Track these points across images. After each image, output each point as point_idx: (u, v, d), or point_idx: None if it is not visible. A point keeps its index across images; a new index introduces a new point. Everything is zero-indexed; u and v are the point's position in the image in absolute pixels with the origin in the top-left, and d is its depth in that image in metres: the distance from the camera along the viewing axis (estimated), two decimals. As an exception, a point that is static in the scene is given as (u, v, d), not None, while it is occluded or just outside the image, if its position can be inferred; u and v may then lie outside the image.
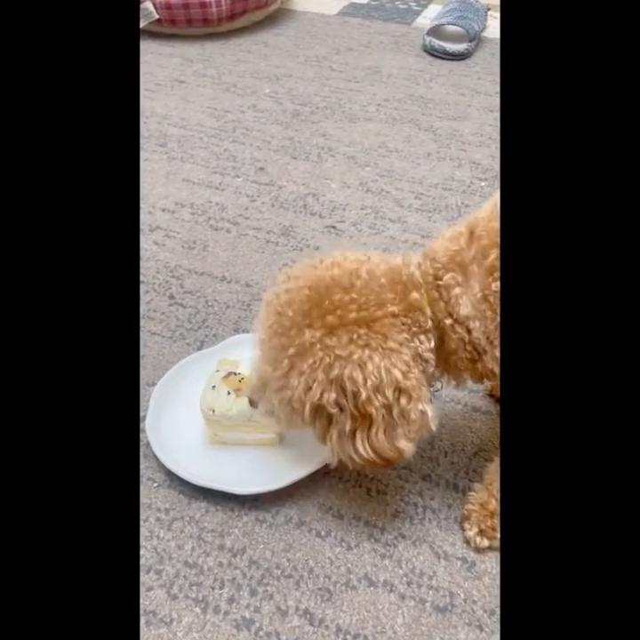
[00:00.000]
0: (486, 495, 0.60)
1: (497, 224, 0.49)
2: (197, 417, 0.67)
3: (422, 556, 0.59)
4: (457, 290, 0.50)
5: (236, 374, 0.66)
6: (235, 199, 1.08)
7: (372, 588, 0.57)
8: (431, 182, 1.11)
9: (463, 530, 0.60)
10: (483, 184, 1.10)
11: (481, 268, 0.49)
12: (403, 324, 0.50)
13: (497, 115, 1.30)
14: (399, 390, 0.48)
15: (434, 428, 0.51)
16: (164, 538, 0.61)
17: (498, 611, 0.55)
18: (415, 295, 0.50)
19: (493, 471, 0.61)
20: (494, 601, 0.56)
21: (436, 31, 1.56)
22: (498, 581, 0.57)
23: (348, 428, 0.49)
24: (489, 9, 1.69)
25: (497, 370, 0.51)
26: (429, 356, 0.51)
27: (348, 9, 1.83)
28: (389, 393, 0.48)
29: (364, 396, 0.47)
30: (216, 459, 0.66)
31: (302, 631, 0.55)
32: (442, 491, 0.64)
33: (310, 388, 0.48)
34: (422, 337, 0.50)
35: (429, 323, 0.51)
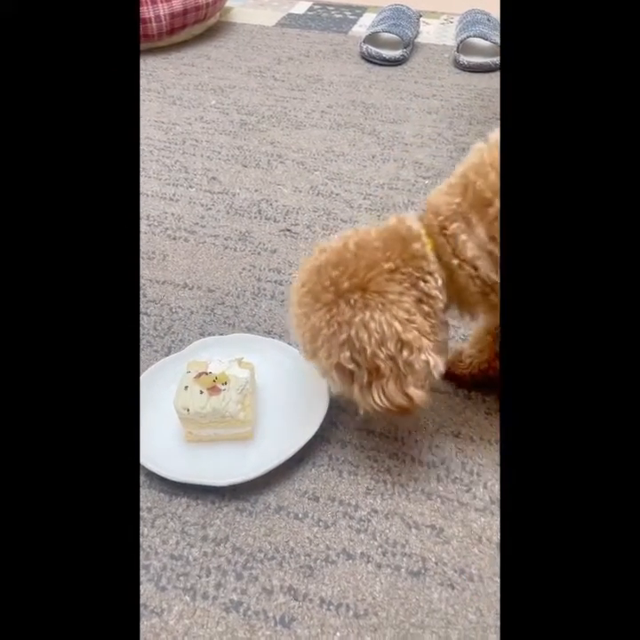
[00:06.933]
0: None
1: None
2: (172, 418, 0.70)
3: (394, 527, 0.64)
4: (463, 236, 0.56)
5: (207, 374, 0.69)
6: (190, 209, 1.10)
7: (350, 561, 0.61)
8: (378, 183, 1.16)
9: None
10: (426, 182, 1.16)
11: (485, 215, 0.55)
12: (402, 274, 0.56)
13: (435, 116, 1.37)
14: (401, 342, 0.55)
15: (437, 376, 0.57)
16: (148, 535, 0.64)
17: (467, 570, 0.60)
18: (416, 245, 0.57)
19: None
20: (463, 561, 0.61)
21: (371, 39, 1.63)
22: (464, 543, 0.62)
23: (365, 380, 0.57)
24: (421, 16, 1.76)
25: None
26: (436, 293, 0.57)
27: (285, 20, 1.88)
28: (392, 345, 0.55)
29: (369, 351, 0.55)
30: (193, 455, 0.69)
31: (288, 607, 0.58)
32: (408, 467, 0.69)
33: (330, 355, 0.57)
34: (428, 277, 0.57)
35: (432, 265, 0.57)
